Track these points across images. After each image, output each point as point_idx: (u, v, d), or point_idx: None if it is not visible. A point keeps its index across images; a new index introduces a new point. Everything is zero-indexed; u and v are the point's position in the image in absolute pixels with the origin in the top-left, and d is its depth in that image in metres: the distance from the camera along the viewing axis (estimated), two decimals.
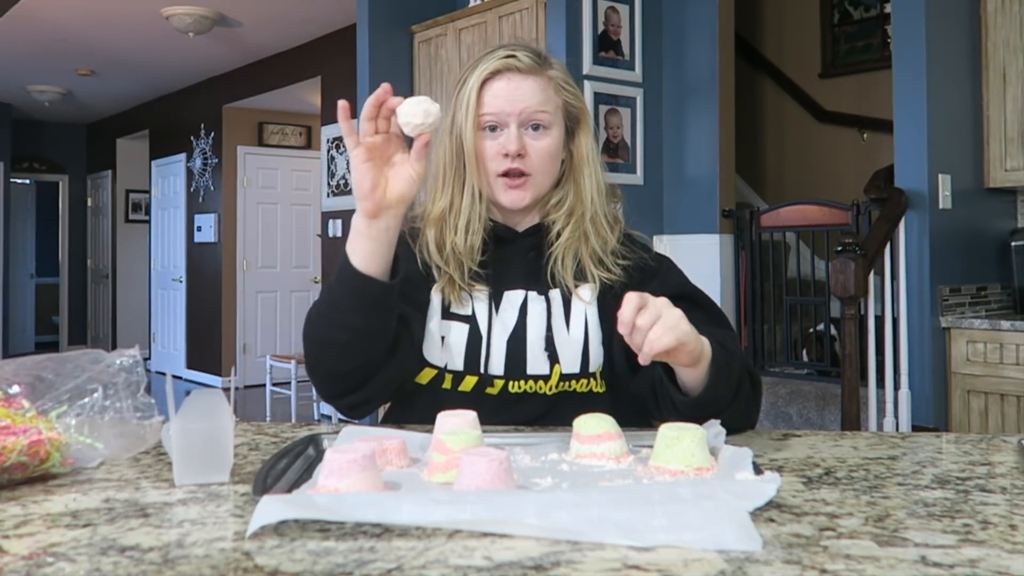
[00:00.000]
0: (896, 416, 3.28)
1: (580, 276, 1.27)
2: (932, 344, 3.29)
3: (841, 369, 3.14)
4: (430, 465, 0.88)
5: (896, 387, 3.30)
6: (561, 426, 1.21)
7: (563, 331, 1.25)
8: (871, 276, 3.12)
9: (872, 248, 3.12)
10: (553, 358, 1.23)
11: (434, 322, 1.26)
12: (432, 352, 1.25)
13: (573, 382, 1.24)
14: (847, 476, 0.88)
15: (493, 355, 1.24)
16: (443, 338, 1.25)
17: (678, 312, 0.99)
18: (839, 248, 3.03)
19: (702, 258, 3.97)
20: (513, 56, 1.25)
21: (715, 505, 0.69)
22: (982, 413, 3.24)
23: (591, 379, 1.25)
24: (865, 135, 5.08)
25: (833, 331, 3.78)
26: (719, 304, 3.96)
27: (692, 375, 1.07)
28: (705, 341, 1.05)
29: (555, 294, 1.26)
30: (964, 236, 3.47)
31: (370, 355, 1.15)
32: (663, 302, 0.99)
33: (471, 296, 1.26)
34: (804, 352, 4.07)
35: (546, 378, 1.23)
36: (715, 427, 0.95)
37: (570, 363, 1.23)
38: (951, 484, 0.85)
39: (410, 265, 1.29)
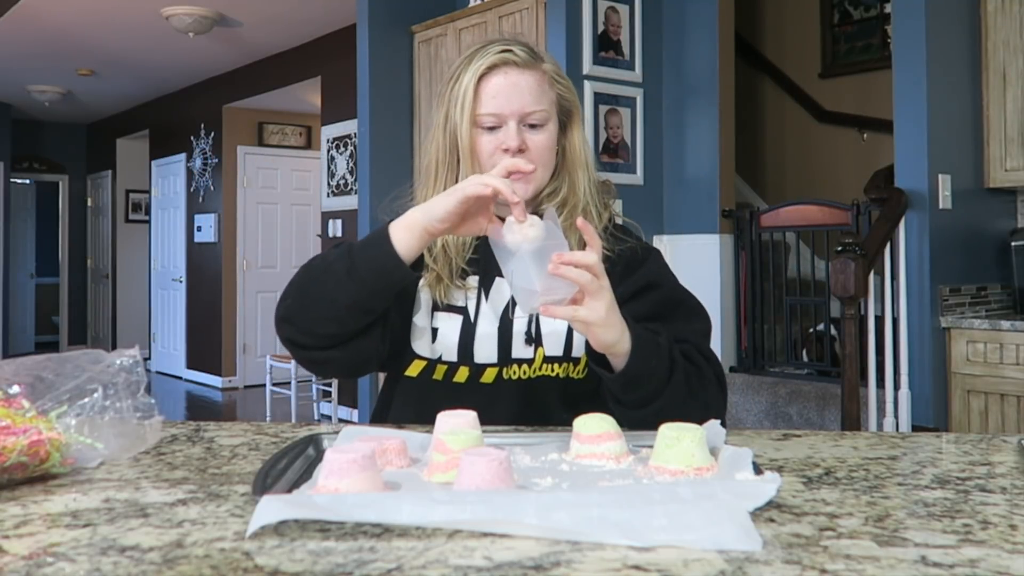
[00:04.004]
0: (896, 416, 3.28)
1: None
2: (932, 344, 3.29)
3: (841, 369, 3.14)
4: (430, 465, 0.87)
5: (896, 387, 3.30)
6: (544, 409, 1.24)
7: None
8: (871, 276, 3.12)
9: (872, 248, 3.12)
10: (537, 341, 1.25)
11: (422, 316, 1.28)
12: (421, 345, 1.28)
13: (556, 365, 1.25)
14: (847, 476, 0.88)
15: (485, 343, 1.25)
16: (436, 330, 1.27)
17: (607, 304, 1.02)
18: (839, 248, 3.03)
19: (702, 258, 3.97)
20: (509, 51, 1.25)
21: (715, 505, 0.69)
22: (982, 413, 3.24)
23: (573, 364, 1.26)
24: (865, 135, 5.08)
25: (833, 331, 3.78)
26: (719, 304, 3.96)
27: (615, 361, 1.09)
28: (628, 329, 1.07)
29: None
30: (964, 236, 3.47)
31: (351, 328, 1.16)
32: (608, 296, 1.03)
33: (464, 287, 1.28)
34: (804, 352, 4.07)
35: (530, 362, 1.25)
36: (715, 427, 0.95)
37: (553, 347, 1.25)
38: (951, 484, 0.85)
39: None
